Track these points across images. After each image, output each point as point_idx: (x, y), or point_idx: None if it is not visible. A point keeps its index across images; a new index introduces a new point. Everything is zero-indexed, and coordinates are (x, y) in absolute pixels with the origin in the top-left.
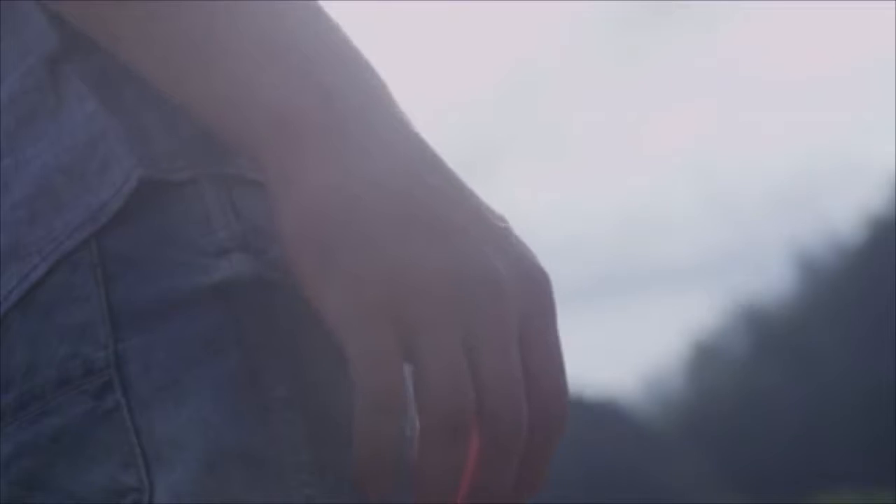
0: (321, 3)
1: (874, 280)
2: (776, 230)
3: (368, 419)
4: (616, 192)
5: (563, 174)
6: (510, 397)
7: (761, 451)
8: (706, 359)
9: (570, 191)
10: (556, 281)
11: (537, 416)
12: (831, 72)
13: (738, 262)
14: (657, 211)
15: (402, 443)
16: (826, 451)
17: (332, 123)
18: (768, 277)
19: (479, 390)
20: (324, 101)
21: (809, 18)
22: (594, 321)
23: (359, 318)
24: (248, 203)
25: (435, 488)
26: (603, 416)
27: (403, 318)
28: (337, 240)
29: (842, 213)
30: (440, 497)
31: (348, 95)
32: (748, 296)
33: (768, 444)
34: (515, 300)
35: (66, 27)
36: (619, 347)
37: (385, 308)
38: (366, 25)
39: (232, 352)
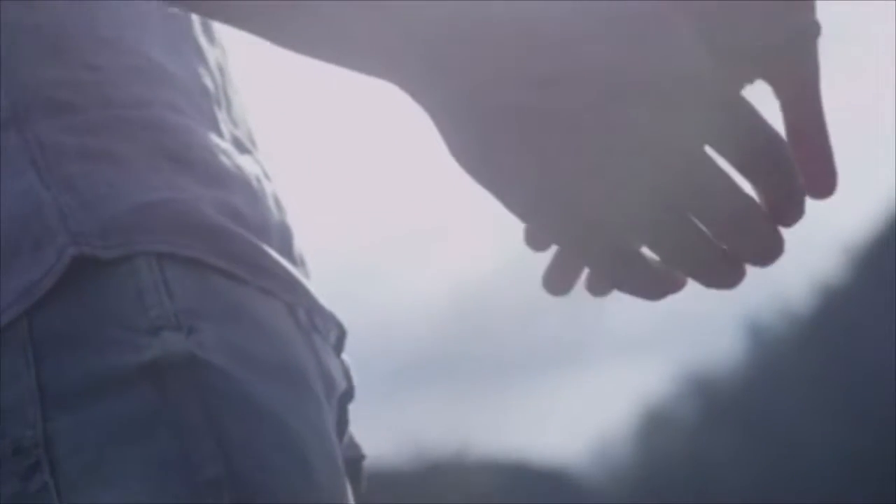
0: None
1: (825, 349)
2: (727, 296)
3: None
4: None
5: (509, 241)
6: (715, 199)
7: None
8: (656, 426)
9: (518, 257)
10: (505, 348)
11: (764, 181)
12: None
13: (688, 329)
14: None
15: None
16: None
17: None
18: (719, 344)
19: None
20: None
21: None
22: (543, 388)
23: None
24: (181, 281)
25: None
26: (553, 484)
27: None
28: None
29: (793, 281)
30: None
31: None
32: (698, 363)
33: None
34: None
35: (5, 99)
36: (569, 414)
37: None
38: None
39: (162, 432)
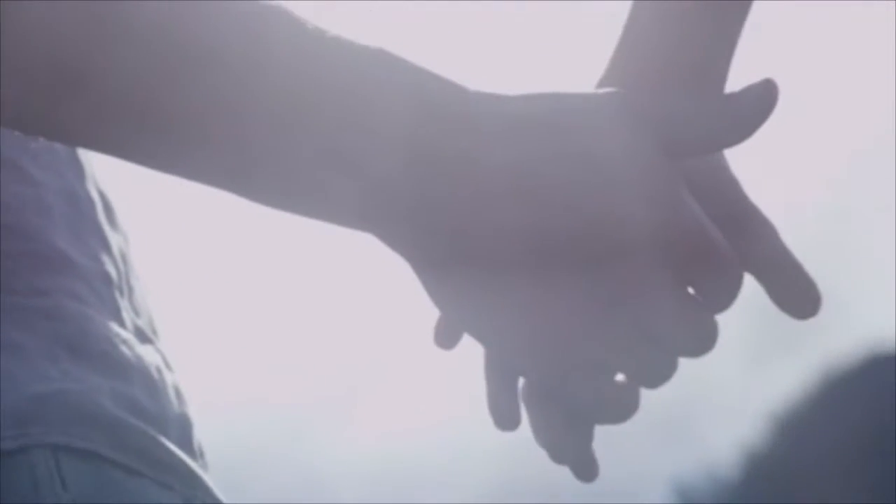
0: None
1: None
2: (654, 462)
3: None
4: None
5: (438, 399)
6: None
7: None
8: None
9: (452, 412)
10: None
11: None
12: None
13: (613, 493)
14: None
15: None
16: None
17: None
18: None
19: None
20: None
21: None
22: None
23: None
24: (77, 473)
25: None
26: None
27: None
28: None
29: (720, 446)
30: None
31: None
32: None
33: None
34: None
35: None
36: None
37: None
38: None
39: None
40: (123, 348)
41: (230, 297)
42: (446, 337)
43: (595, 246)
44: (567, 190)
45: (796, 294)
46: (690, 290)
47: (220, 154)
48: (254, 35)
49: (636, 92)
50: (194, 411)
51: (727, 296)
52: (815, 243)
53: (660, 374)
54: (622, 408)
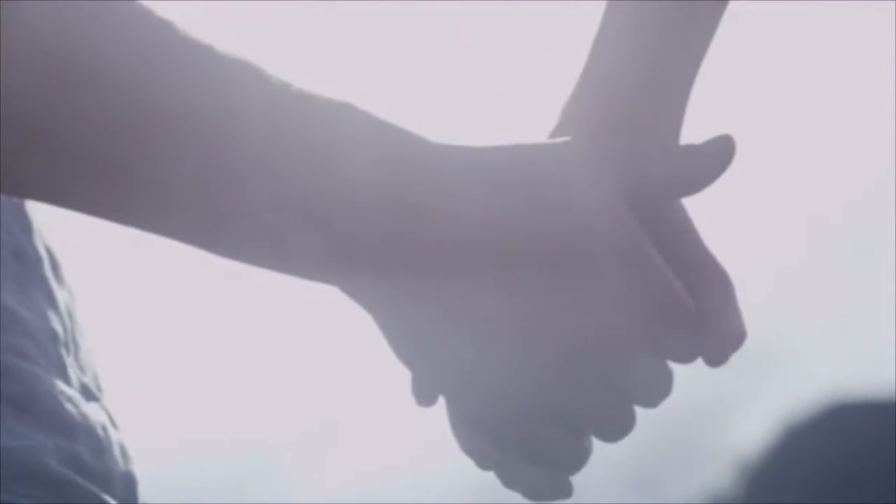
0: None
1: None
2: None
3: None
4: (466, 465)
5: (410, 439)
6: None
7: None
8: None
9: (423, 459)
10: None
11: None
12: None
13: None
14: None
15: None
16: None
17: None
18: None
19: None
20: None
21: None
22: None
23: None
24: None
25: None
26: None
27: None
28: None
29: (688, 494)
30: None
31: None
32: None
33: None
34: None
35: None
36: None
37: None
38: None
39: None
40: (69, 406)
41: (202, 339)
42: (423, 395)
43: (560, 297)
44: (531, 243)
45: (724, 342)
46: (654, 342)
47: (185, 208)
48: (221, 89)
49: (598, 137)
50: (139, 469)
51: (690, 350)
52: (775, 295)
53: (620, 426)
54: (578, 458)
